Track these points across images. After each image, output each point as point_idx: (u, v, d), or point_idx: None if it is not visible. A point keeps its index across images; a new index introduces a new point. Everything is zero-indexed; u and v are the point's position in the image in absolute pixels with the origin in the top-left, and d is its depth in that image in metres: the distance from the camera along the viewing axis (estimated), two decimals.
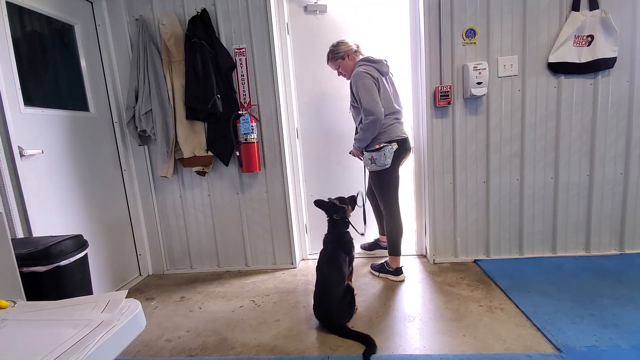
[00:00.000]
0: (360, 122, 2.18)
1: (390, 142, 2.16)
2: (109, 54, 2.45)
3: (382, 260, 2.41)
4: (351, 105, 2.28)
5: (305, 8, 2.54)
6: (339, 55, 2.27)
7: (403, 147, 2.20)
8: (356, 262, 2.19)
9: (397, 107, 2.24)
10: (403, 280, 2.28)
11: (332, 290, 1.73)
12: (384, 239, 2.56)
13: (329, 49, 2.32)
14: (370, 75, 2.11)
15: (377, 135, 2.16)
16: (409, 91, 2.52)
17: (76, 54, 2.27)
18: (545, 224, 2.41)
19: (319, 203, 2.02)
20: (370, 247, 2.72)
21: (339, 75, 2.38)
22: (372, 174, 2.28)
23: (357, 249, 2.67)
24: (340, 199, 2.05)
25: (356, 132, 2.29)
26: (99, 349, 0.62)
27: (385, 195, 2.27)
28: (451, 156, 2.39)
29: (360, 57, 2.28)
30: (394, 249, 2.30)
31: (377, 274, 2.39)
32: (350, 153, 2.44)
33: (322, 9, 2.53)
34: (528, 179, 2.37)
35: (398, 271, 2.30)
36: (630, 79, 2.22)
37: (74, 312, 0.75)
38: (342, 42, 2.29)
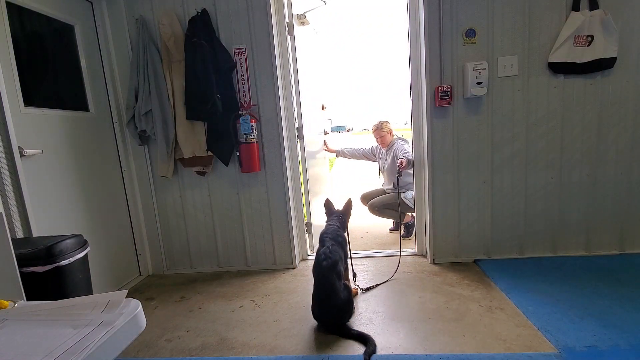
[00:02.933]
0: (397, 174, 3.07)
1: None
2: (109, 54, 2.46)
3: (408, 227, 3.22)
4: (392, 165, 3.18)
5: (298, 17, 2.63)
6: (386, 130, 3.30)
7: None
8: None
9: None
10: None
11: (332, 289, 1.72)
12: (408, 218, 3.34)
13: (379, 123, 3.33)
14: (408, 149, 3.09)
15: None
16: (409, 91, 2.52)
17: (76, 54, 2.27)
18: (546, 224, 2.41)
19: (327, 205, 2.17)
20: (396, 227, 3.38)
21: (377, 142, 3.37)
22: (402, 202, 3.04)
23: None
24: (346, 207, 2.19)
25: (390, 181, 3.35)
26: (99, 349, 0.61)
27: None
28: (451, 156, 2.39)
29: (395, 136, 3.35)
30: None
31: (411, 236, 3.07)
32: (400, 164, 2.81)
33: (306, 22, 2.77)
34: (528, 178, 2.37)
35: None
36: (630, 79, 2.22)
37: (74, 312, 0.75)
38: (388, 123, 3.35)
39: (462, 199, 2.43)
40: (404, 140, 3.30)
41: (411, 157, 2.90)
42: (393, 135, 3.36)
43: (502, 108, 2.31)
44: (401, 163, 2.85)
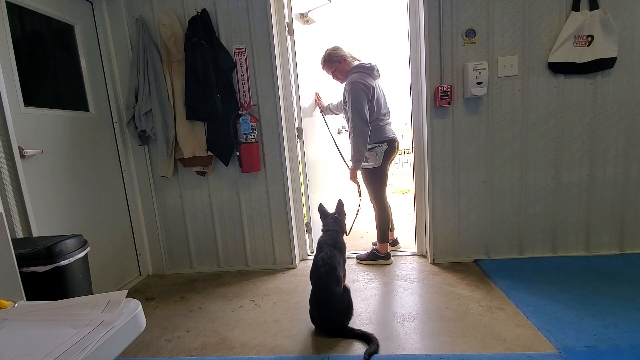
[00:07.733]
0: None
1: (380, 142, 2.41)
2: (109, 54, 2.45)
3: (366, 251, 2.64)
4: (343, 107, 2.51)
5: (300, 16, 2.64)
6: (335, 59, 2.44)
7: (392, 147, 2.46)
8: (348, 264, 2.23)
9: (386, 110, 2.48)
10: (391, 263, 2.54)
11: (330, 296, 1.70)
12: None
13: (324, 53, 2.50)
14: (365, 84, 2.30)
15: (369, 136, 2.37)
16: (409, 91, 2.52)
17: (76, 54, 2.27)
18: (545, 224, 2.41)
19: (321, 210, 2.11)
20: (368, 257, 2.59)
21: (333, 78, 2.55)
22: (364, 172, 2.51)
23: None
24: (339, 209, 2.12)
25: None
26: (99, 349, 0.62)
27: (376, 190, 2.52)
28: (451, 156, 2.39)
29: (356, 62, 2.46)
30: (384, 237, 2.55)
31: (369, 262, 2.57)
32: (350, 179, 2.51)
33: (311, 21, 2.74)
34: (528, 178, 2.37)
35: (388, 255, 2.56)
36: (630, 79, 2.22)
37: (74, 312, 0.75)
38: (338, 47, 2.47)
39: (462, 199, 2.43)
40: (365, 68, 2.34)
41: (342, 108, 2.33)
42: (349, 64, 2.43)
43: (502, 108, 2.31)
44: (318, 99, 2.42)
